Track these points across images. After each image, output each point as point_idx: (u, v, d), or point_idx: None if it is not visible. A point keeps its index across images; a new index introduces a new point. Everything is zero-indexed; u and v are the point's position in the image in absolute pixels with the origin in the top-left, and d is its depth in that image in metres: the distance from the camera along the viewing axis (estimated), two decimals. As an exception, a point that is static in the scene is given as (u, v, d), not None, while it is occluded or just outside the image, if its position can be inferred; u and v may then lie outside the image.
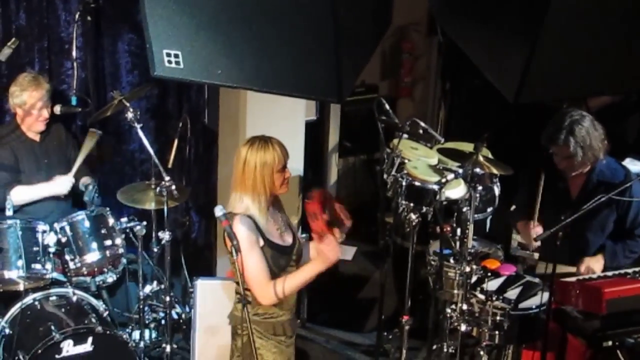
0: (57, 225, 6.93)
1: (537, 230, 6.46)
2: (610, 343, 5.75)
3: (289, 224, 5.79)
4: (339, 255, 5.38)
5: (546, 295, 6.09)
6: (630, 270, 5.90)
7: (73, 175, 7.15)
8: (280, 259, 5.51)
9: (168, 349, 7.24)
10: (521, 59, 4.36)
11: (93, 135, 7.25)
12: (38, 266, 6.80)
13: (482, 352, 6.59)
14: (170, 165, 7.38)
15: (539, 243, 6.46)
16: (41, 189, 7.08)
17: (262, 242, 5.43)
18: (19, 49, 7.12)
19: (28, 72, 7.24)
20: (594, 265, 6.25)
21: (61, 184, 7.09)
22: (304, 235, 6.29)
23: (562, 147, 6.12)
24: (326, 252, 5.32)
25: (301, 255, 5.73)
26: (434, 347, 7.09)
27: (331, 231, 5.37)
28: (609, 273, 5.97)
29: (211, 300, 6.90)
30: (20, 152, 7.15)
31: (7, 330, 6.79)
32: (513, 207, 7.10)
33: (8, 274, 6.64)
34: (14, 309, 6.80)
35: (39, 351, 6.42)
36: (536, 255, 6.66)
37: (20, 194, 7.00)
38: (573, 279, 5.89)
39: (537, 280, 6.45)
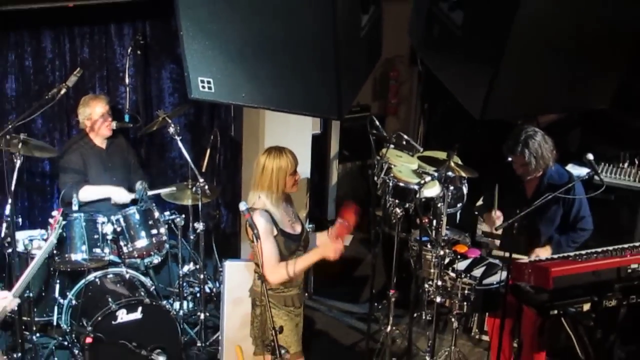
0: (113, 218, 6.97)
1: (498, 215, 6.47)
2: (556, 312, 5.74)
3: (298, 216, 5.85)
4: (337, 257, 5.58)
5: (504, 273, 6.09)
6: (572, 254, 5.90)
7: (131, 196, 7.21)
8: (291, 244, 5.60)
9: (202, 316, 7.30)
10: (485, 84, 4.36)
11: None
12: (98, 250, 6.87)
13: (453, 319, 6.62)
14: (203, 170, 7.38)
15: (498, 224, 6.46)
16: (105, 192, 7.09)
17: (275, 232, 5.52)
18: (83, 77, 7.13)
19: (91, 94, 7.27)
20: (543, 253, 6.26)
21: (121, 196, 7.13)
22: (310, 225, 6.32)
23: (519, 156, 6.17)
24: (332, 250, 5.54)
25: (308, 242, 5.80)
26: (415, 315, 7.08)
27: (344, 238, 5.63)
28: (555, 256, 5.96)
29: (236, 277, 6.89)
30: (88, 157, 7.15)
31: (73, 302, 6.85)
32: (480, 203, 7.10)
33: (74, 257, 6.72)
34: (79, 285, 6.86)
35: (99, 318, 6.46)
36: (497, 241, 6.65)
37: (88, 192, 7.01)
38: (526, 260, 5.90)
39: (497, 261, 6.47)
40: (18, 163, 6.59)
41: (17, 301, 5.55)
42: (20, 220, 6.95)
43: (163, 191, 7.27)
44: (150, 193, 7.23)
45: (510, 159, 6.25)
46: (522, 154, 6.16)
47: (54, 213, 6.40)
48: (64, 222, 6.74)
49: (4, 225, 6.54)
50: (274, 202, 5.57)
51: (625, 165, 7.89)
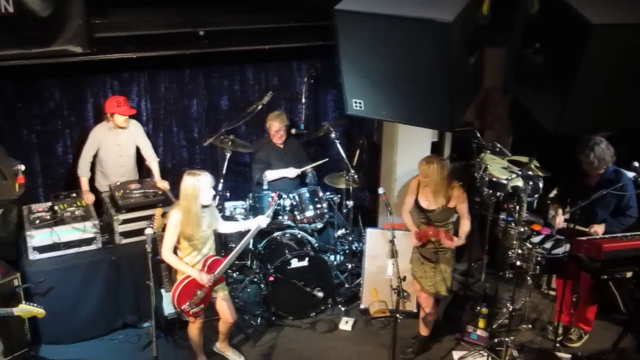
0: (290, 195, 7.06)
1: (559, 219, 6.29)
2: (605, 277, 5.56)
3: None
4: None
5: (568, 246, 5.95)
6: (619, 234, 5.68)
7: (300, 171, 7.29)
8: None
9: (349, 266, 7.34)
10: (558, 108, 4.27)
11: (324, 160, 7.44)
12: (279, 217, 6.95)
13: (528, 278, 6.43)
14: (354, 164, 7.38)
15: (561, 226, 6.28)
16: (280, 172, 7.18)
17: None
18: (273, 98, 7.22)
19: (276, 111, 7.41)
20: (598, 228, 6.02)
21: (290, 172, 7.21)
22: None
23: (586, 156, 5.97)
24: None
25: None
26: (500, 273, 6.95)
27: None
28: (606, 236, 5.76)
29: (374, 240, 6.92)
30: (271, 153, 7.26)
31: (262, 251, 6.96)
32: (554, 193, 6.90)
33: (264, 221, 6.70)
34: (266, 240, 6.98)
35: (279, 264, 6.58)
36: (562, 225, 6.44)
37: (270, 174, 7.12)
38: (584, 238, 5.71)
39: (563, 237, 6.28)
40: (227, 155, 6.81)
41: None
42: (228, 194, 7.13)
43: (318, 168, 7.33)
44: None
45: (580, 158, 6.06)
46: (588, 155, 5.96)
47: (272, 195, 6.54)
48: (257, 196, 6.92)
49: (217, 197, 6.70)
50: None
51: (663, 171, 7.56)
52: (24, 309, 5.20)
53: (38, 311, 5.22)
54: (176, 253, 5.50)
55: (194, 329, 5.77)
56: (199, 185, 5.31)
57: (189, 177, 5.34)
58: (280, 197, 6.88)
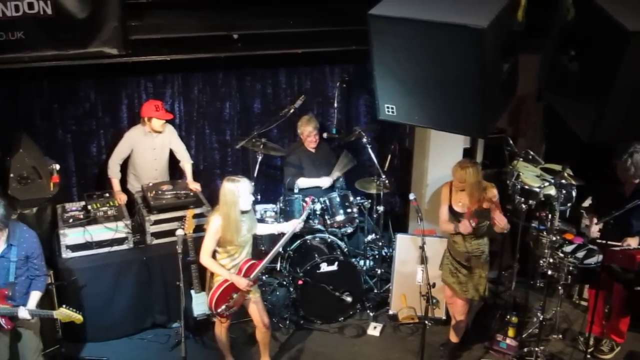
0: (321, 199, 7.06)
1: (594, 228, 6.21)
2: (639, 288, 5.48)
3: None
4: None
5: (601, 256, 5.87)
6: (655, 246, 5.63)
7: (333, 180, 7.31)
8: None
9: (379, 271, 7.36)
10: (593, 117, 4.21)
11: (351, 160, 7.43)
12: (310, 221, 6.96)
13: (559, 288, 6.37)
14: (385, 169, 7.37)
15: (596, 235, 6.21)
16: (314, 181, 7.21)
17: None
18: (305, 101, 7.25)
19: (306, 115, 7.43)
20: (632, 242, 5.94)
21: (324, 182, 7.24)
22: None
23: (622, 162, 5.90)
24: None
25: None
26: (531, 282, 6.89)
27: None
28: (640, 246, 5.71)
29: (404, 246, 6.91)
30: (303, 158, 7.28)
31: (291, 255, 6.98)
32: (588, 202, 6.83)
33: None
34: (296, 243, 6.99)
35: (308, 267, 6.60)
36: (597, 234, 6.36)
37: (303, 182, 7.17)
38: (618, 248, 5.63)
39: (595, 247, 6.21)
40: (259, 159, 6.84)
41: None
42: (259, 197, 7.16)
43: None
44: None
45: (616, 163, 5.99)
46: (626, 161, 5.88)
47: (306, 199, 6.50)
48: (287, 200, 6.94)
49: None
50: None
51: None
52: (63, 313, 5.27)
53: (76, 317, 5.29)
54: (214, 257, 5.50)
55: (222, 329, 5.78)
56: (238, 191, 5.30)
57: (228, 183, 5.33)
58: (313, 201, 6.89)
